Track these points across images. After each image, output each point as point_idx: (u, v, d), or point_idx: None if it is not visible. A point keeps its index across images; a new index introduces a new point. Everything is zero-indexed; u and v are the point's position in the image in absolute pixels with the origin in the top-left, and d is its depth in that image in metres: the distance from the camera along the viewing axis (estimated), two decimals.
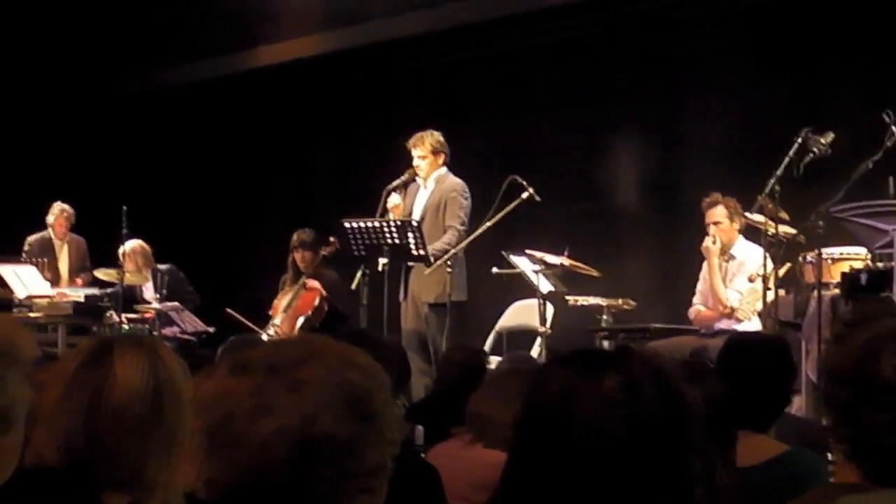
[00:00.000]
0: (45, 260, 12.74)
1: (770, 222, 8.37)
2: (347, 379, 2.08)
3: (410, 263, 10.06)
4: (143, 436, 2.54)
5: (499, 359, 9.05)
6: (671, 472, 1.94)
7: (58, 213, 13.15)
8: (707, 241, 9.29)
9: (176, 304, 12.00)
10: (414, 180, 10.31)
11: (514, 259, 10.04)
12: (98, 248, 12.39)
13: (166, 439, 2.57)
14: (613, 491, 1.92)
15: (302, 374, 2.06)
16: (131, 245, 12.37)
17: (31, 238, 13.16)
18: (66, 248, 13.23)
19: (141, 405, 2.55)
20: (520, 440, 2.03)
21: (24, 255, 12.95)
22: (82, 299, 12.13)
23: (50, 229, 13.21)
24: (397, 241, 9.71)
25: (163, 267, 12.54)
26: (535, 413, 2.00)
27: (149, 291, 12.46)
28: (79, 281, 13.09)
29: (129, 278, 11.99)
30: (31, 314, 11.53)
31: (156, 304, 12.15)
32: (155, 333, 11.68)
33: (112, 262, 11.95)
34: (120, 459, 2.54)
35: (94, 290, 12.39)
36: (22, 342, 2.66)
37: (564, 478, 1.93)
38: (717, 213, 9.29)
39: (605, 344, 9.77)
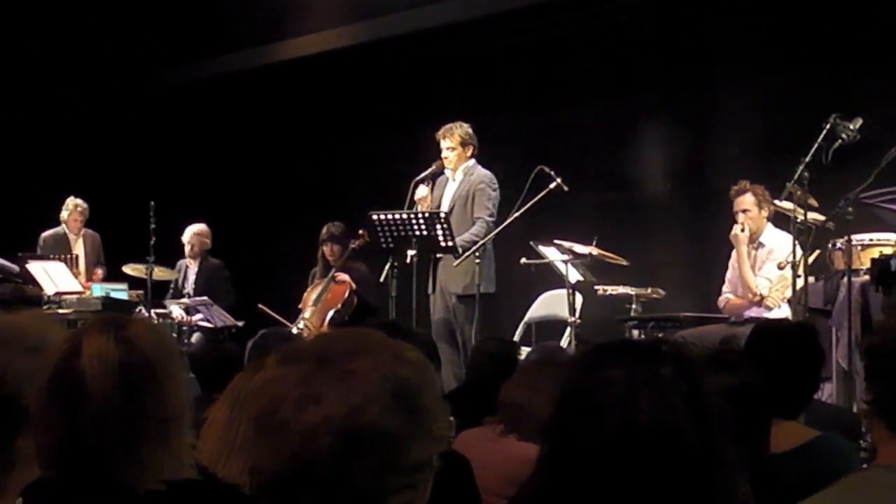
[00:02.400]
0: (70, 256, 12.79)
1: (799, 209, 8.34)
2: (396, 373, 2.07)
3: (439, 255, 10.07)
4: (124, 421, 2.47)
5: (528, 349, 9.04)
6: (722, 461, 1.94)
7: (72, 208, 13.18)
8: (735, 229, 9.26)
9: (205, 298, 12.03)
10: (442, 172, 10.31)
11: (543, 249, 10.04)
12: (126, 244, 12.42)
13: (150, 417, 2.50)
14: (667, 480, 1.91)
15: (351, 365, 2.06)
16: (202, 227, 12.55)
17: (45, 234, 13.23)
18: (80, 242, 13.26)
19: (111, 390, 2.47)
20: (562, 431, 2.01)
21: (38, 250, 13.03)
22: (124, 296, 12.21)
23: (64, 224, 13.25)
24: (425, 232, 9.70)
25: (215, 261, 12.66)
26: (585, 404, 1.98)
27: (190, 279, 12.57)
28: (99, 272, 13.11)
29: (158, 273, 12.04)
30: (61, 311, 11.56)
31: (185, 300, 12.19)
32: (185, 328, 11.75)
33: (140, 257, 11.98)
34: (113, 451, 2.49)
35: (123, 285, 12.47)
36: (53, 339, 2.69)
37: (614, 468, 1.92)
38: (746, 201, 9.26)
39: (635, 333, 9.76)
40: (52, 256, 12.75)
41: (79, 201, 13.21)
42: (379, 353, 2.10)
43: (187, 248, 12.62)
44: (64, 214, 13.22)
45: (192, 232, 12.57)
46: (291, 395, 2.03)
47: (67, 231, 13.26)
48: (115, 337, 2.51)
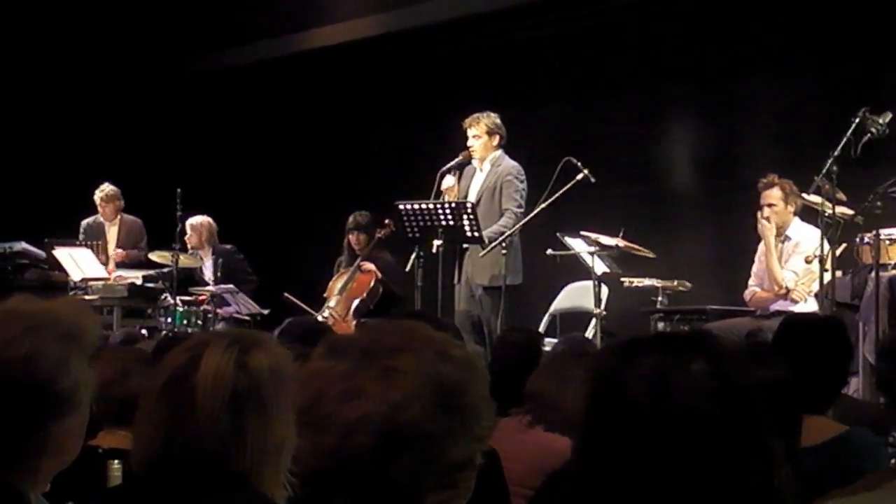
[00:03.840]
0: (99, 243, 12.82)
1: (827, 203, 8.31)
2: (440, 371, 2.07)
3: (465, 246, 10.06)
4: (222, 443, 2.46)
5: (554, 341, 9.04)
6: (757, 453, 1.93)
7: (97, 195, 13.17)
8: (763, 222, 9.22)
9: (230, 286, 12.01)
10: (469, 162, 10.29)
11: (569, 241, 10.03)
12: (153, 230, 12.45)
13: (249, 444, 2.48)
14: (699, 472, 1.90)
15: (395, 362, 2.06)
16: (199, 219, 12.42)
17: (85, 221, 13.25)
18: (115, 229, 13.25)
19: (218, 411, 2.46)
20: (595, 423, 2.00)
21: (80, 237, 13.06)
22: (139, 281, 12.23)
23: (100, 211, 13.27)
24: (452, 223, 9.70)
25: (226, 247, 12.60)
26: (617, 396, 1.97)
27: (208, 271, 12.51)
28: (119, 252, 13.05)
29: (184, 261, 12.03)
30: (87, 297, 11.60)
31: (211, 287, 12.18)
32: (210, 315, 11.76)
33: (167, 244, 11.96)
34: (204, 469, 2.48)
35: (151, 272, 12.49)
36: (87, 325, 2.70)
37: (647, 459, 1.91)
38: (773, 195, 9.22)
39: (661, 326, 9.74)
40: (78, 243, 12.79)
41: (103, 187, 13.15)
42: (423, 350, 2.09)
43: (187, 240, 12.46)
44: (97, 202, 13.23)
45: (188, 224, 12.38)
46: (334, 390, 2.04)
47: (102, 219, 13.29)
48: (235, 360, 2.50)
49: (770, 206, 9.22)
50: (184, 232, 12.12)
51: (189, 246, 12.36)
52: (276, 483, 2.51)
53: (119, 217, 13.27)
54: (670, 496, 1.90)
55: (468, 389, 2.10)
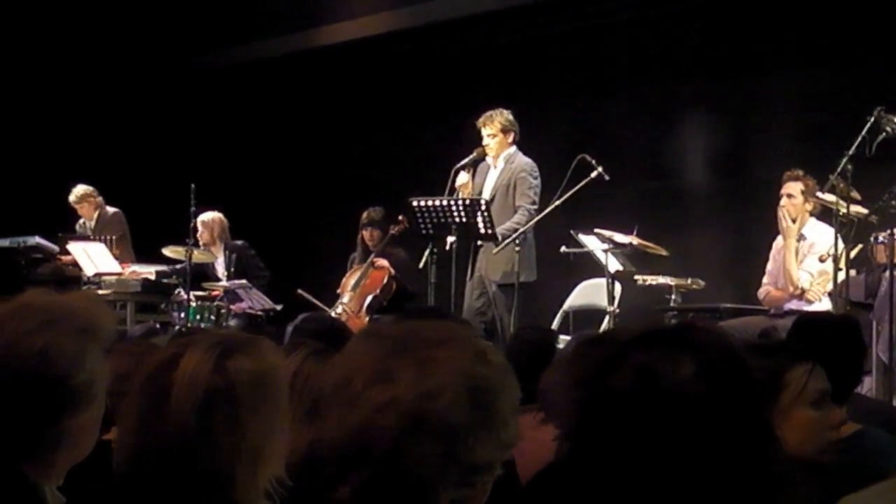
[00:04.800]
0: (114, 237, 12.82)
1: (842, 202, 8.30)
2: (476, 370, 2.08)
3: (479, 243, 10.06)
4: (192, 443, 2.44)
5: (567, 338, 9.03)
6: (749, 448, 1.93)
7: (72, 200, 13.24)
8: (787, 221, 9.16)
9: (244, 281, 12.02)
10: (483, 159, 10.30)
11: (583, 238, 10.02)
12: (166, 226, 12.46)
13: (220, 447, 2.46)
14: (690, 469, 1.90)
15: (431, 353, 2.07)
16: (210, 215, 12.42)
17: (79, 223, 13.32)
18: (94, 225, 13.30)
19: (188, 411, 2.45)
20: (586, 421, 2.00)
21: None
22: (153, 276, 12.23)
23: (78, 212, 13.32)
24: (465, 220, 9.70)
25: (237, 243, 12.61)
26: (604, 398, 1.97)
27: (220, 267, 12.51)
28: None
29: (198, 256, 12.04)
30: (100, 291, 11.61)
31: (224, 282, 12.19)
32: (224, 311, 11.77)
33: (181, 239, 11.96)
34: (176, 468, 2.46)
35: (164, 267, 12.49)
36: (103, 319, 2.71)
37: (638, 459, 1.91)
38: (793, 187, 9.18)
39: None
40: (92, 238, 12.81)
41: (73, 189, 13.22)
42: (462, 348, 2.11)
43: (199, 237, 12.50)
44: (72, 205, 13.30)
45: (199, 220, 12.40)
46: (367, 371, 2.05)
47: (84, 219, 13.33)
48: (214, 362, 2.49)
49: (789, 196, 9.18)
50: (196, 228, 12.12)
51: (201, 242, 12.38)
52: (254, 489, 2.49)
53: (98, 213, 13.26)
54: (662, 492, 1.90)
55: (500, 395, 2.11)
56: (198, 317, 11.65)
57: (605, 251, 9.74)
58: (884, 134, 8.09)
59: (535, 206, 9.98)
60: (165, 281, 12.33)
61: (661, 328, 2.04)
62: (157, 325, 10.69)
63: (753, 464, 1.92)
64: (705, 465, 1.89)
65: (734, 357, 1.97)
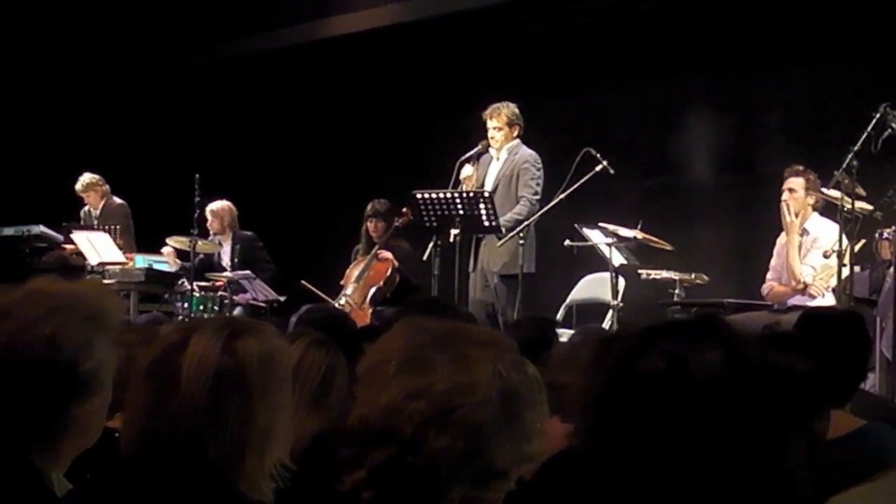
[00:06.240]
0: (118, 227, 12.82)
1: (846, 198, 8.30)
2: (511, 377, 2.10)
3: (481, 235, 10.07)
4: (203, 426, 2.44)
5: (570, 331, 9.03)
6: (773, 441, 1.93)
7: (78, 189, 13.25)
8: (790, 216, 9.16)
9: (248, 272, 12.03)
10: (487, 151, 10.30)
11: (587, 232, 10.02)
12: (171, 216, 12.47)
13: (230, 430, 2.46)
14: (714, 461, 1.90)
15: (471, 351, 2.08)
16: (219, 204, 12.46)
17: (83, 210, 13.31)
18: (99, 214, 13.31)
19: (199, 394, 2.45)
20: (607, 413, 2.00)
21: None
22: (166, 268, 12.23)
23: (84, 201, 13.34)
24: (469, 212, 9.70)
25: (246, 234, 12.62)
26: (631, 387, 1.97)
27: (226, 256, 12.53)
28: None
29: (202, 246, 12.05)
30: (104, 281, 11.60)
31: (228, 273, 12.20)
32: (227, 301, 11.78)
33: (185, 229, 11.95)
34: (186, 451, 2.46)
35: (164, 258, 12.49)
36: (111, 307, 2.71)
37: (661, 449, 1.91)
38: (795, 182, 9.18)
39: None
40: (96, 227, 12.81)
41: (81, 178, 13.23)
42: (502, 353, 2.13)
43: (209, 226, 12.57)
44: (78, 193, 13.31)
45: (208, 209, 12.47)
46: (403, 357, 2.06)
47: (90, 207, 13.34)
48: (223, 344, 2.50)
49: (791, 191, 9.19)
50: (202, 218, 12.12)
51: (211, 231, 12.41)
52: (261, 473, 2.51)
53: (104, 202, 13.27)
54: (684, 483, 1.90)
55: (531, 405, 2.13)
56: (201, 307, 11.67)
57: (610, 245, 9.75)
58: (889, 130, 8.09)
59: (538, 198, 9.98)
60: (169, 271, 12.34)
61: (685, 319, 2.06)
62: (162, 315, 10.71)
63: (778, 453, 1.92)
64: (729, 452, 1.89)
65: (760, 347, 1.98)
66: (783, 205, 9.18)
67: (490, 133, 10.18)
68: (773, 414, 1.93)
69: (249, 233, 12.61)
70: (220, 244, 12.55)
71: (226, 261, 12.46)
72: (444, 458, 2.03)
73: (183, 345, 2.50)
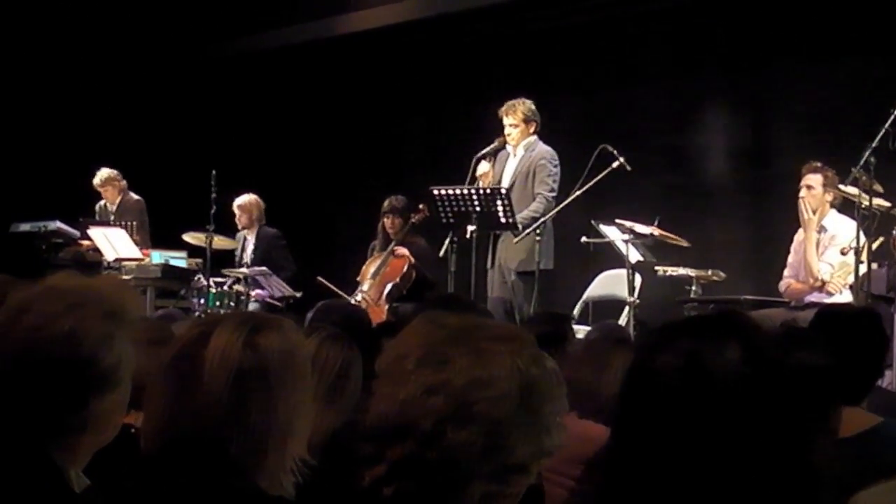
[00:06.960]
0: (134, 223, 12.84)
1: (864, 195, 8.28)
2: (530, 371, 2.10)
3: (498, 231, 10.07)
4: (226, 421, 2.44)
5: (587, 328, 9.02)
6: (794, 437, 1.93)
7: (96, 183, 13.28)
8: (808, 213, 9.15)
9: (264, 268, 12.05)
10: (503, 148, 10.30)
11: (604, 228, 10.01)
12: (188, 212, 12.49)
13: (252, 424, 2.46)
14: (734, 458, 1.90)
15: (490, 345, 2.09)
16: (246, 198, 12.55)
17: (98, 205, 13.36)
18: (115, 210, 13.34)
19: (222, 389, 2.44)
20: (629, 411, 2.01)
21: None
22: (184, 264, 12.25)
23: (102, 195, 13.37)
24: (486, 209, 9.70)
25: (270, 230, 12.67)
26: (650, 383, 1.97)
27: (250, 248, 12.59)
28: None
29: (218, 242, 12.07)
30: (120, 277, 11.62)
31: (244, 269, 12.22)
32: (243, 297, 11.79)
33: (202, 225, 11.99)
34: (210, 446, 2.46)
35: (181, 254, 12.51)
36: (130, 304, 2.71)
37: (681, 447, 1.91)
38: (813, 179, 9.16)
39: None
40: (113, 223, 12.83)
41: (98, 172, 13.27)
42: (521, 348, 2.12)
43: (237, 221, 12.65)
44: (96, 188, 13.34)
45: (236, 204, 12.57)
46: (422, 352, 2.07)
47: (107, 202, 13.37)
48: (244, 339, 2.49)
49: (808, 187, 9.17)
50: (218, 213, 12.12)
51: (240, 226, 12.51)
52: (282, 467, 2.51)
53: (121, 197, 13.30)
54: (705, 481, 1.90)
55: (549, 399, 2.13)
56: (217, 303, 11.67)
57: (626, 241, 9.73)
58: None
59: (554, 194, 9.99)
60: (186, 267, 12.36)
61: (705, 315, 2.06)
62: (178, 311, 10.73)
63: (801, 450, 1.92)
64: (751, 449, 1.89)
65: (779, 344, 1.98)
66: (801, 201, 9.16)
67: (506, 130, 10.18)
68: (794, 410, 1.93)
69: (274, 230, 12.67)
70: (245, 238, 12.60)
71: (247, 255, 12.51)
72: (463, 452, 2.03)
73: (204, 340, 2.49)
